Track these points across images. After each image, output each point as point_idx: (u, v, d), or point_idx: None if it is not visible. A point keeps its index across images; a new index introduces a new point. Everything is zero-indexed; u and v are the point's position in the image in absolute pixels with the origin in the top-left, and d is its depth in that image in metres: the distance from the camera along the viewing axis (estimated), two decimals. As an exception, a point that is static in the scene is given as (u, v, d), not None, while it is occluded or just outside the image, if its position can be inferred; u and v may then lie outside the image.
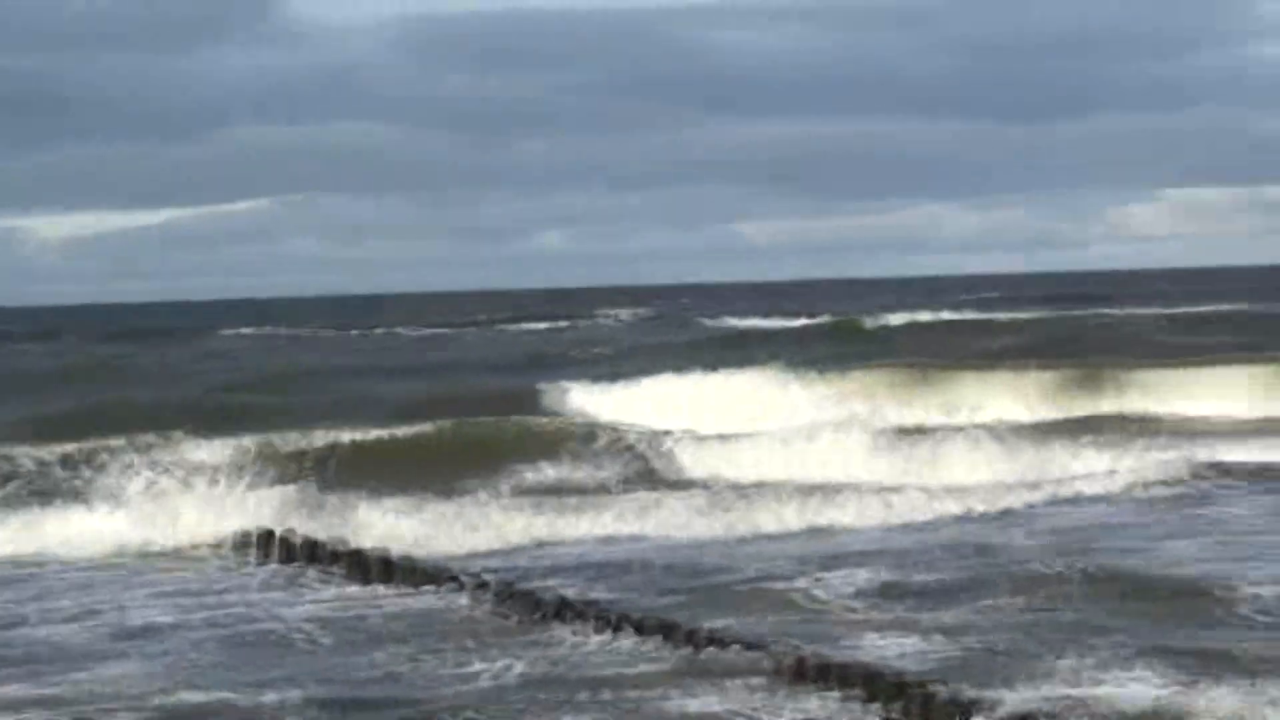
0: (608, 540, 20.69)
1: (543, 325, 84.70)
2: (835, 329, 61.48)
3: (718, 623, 14.56)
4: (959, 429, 28.40)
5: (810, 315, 74.27)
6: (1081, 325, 58.28)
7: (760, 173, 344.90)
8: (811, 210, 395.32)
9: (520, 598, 16.10)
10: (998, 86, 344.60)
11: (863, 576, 16.96)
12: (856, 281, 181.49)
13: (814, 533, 20.89)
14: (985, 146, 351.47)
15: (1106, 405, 34.91)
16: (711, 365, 38.01)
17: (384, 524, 21.05)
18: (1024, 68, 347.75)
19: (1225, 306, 67.77)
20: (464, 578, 17.12)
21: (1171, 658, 13.14)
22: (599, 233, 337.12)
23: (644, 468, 26.75)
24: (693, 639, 14.00)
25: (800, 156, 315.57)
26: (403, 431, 29.02)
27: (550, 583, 17.01)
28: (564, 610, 15.44)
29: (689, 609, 15.55)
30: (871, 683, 12.39)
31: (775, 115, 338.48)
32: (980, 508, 22.17)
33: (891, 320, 64.15)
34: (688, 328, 74.06)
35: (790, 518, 21.47)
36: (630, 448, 27.51)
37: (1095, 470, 24.94)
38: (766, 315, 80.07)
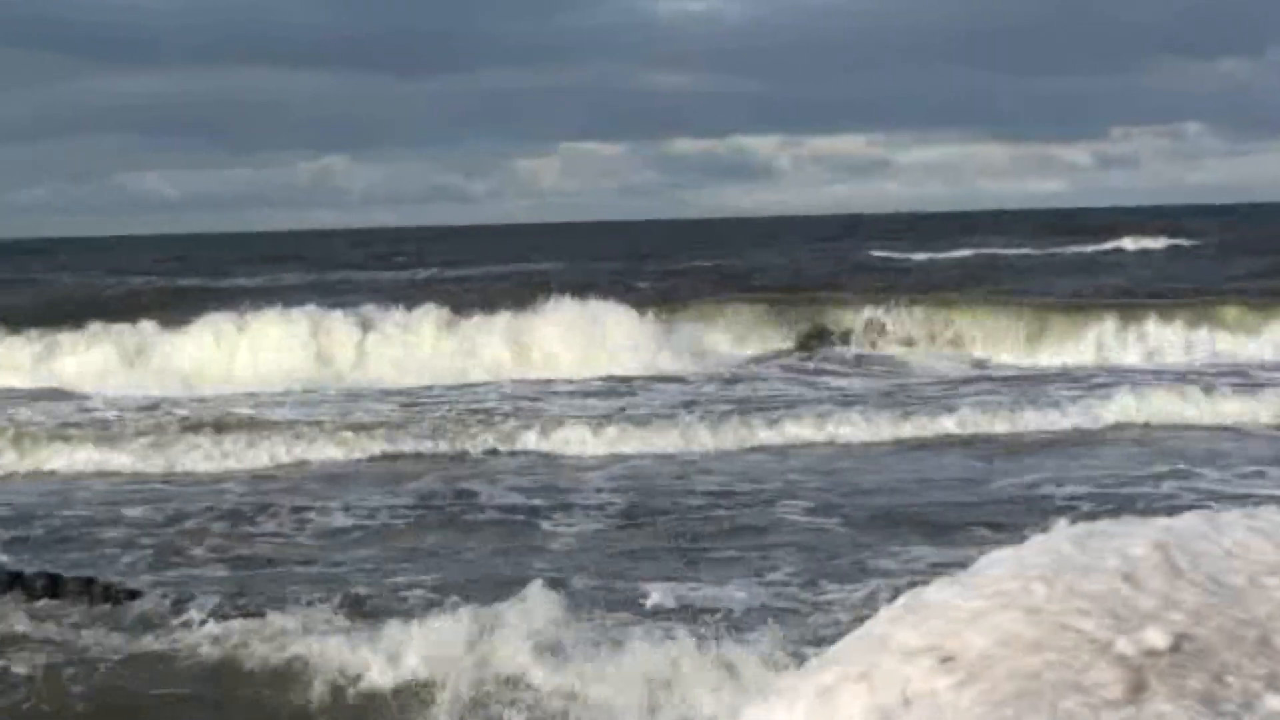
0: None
1: None
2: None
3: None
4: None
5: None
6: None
7: (160, 124, 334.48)
8: (206, 162, 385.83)
9: None
10: (386, 38, 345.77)
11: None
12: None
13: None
14: (379, 100, 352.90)
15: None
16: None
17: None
18: (407, 22, 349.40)
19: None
20: None
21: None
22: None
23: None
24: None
25: (194, 106, 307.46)
26: None
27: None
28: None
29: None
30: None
31: (156, 67, 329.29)
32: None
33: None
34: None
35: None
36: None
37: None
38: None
